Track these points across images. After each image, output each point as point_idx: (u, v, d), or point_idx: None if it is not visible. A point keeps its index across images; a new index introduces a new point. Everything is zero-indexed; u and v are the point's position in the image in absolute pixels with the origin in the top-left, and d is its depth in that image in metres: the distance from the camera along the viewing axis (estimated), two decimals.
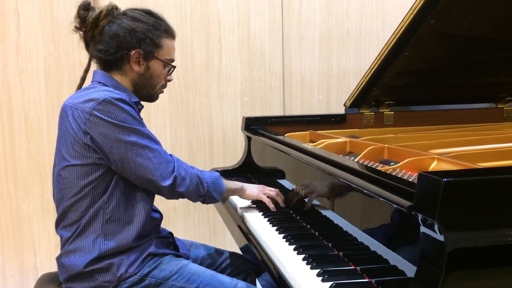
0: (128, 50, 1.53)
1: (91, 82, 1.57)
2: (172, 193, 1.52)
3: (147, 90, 1.61)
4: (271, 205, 1.74)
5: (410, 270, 1.05)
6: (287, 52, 3.01)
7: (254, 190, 1.77)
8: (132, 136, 1.45)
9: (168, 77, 1.65)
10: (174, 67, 1.65)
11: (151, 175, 1.47)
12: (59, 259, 1.53)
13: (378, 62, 2.06)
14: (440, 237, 0.92)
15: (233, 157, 2.93)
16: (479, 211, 0.93)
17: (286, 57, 3.01)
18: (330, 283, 1.14)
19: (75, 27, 1.57)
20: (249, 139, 2.35)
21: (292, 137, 2.09)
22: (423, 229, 0.98)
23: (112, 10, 1.55)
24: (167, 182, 1.49)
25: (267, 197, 1.75)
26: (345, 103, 2.39)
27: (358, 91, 2.27)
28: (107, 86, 1.53)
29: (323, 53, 3.04)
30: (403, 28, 1.87)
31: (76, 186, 1.47)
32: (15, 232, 2.77)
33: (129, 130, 1.44)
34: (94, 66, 1.61)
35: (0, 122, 2.71)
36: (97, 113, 1.42)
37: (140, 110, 1.59)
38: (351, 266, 1.26)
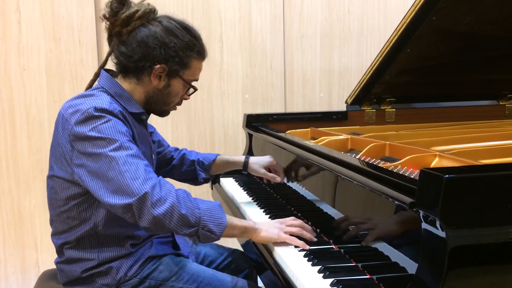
0: (153, 63, 1.42)
1: (96, 84, 1.50)
2: (141, 216, 1.27)
3: (160, 106, 1.52)
4: (300, 243, 1.38)
5: (411, 267, 1.05)
6: (289, 49, 3.01)
7: (273, 230, 1.41)
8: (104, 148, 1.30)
9: (186, 96, 1.55)
10: (195, 89, 1.54)
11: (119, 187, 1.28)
12: (57, 263, 1.52)
13: (380, 59, 2.06)
14: (442, 234, 0.92)
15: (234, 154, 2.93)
16: (481, 208, 0.93)
17: (287, 54, 3.01)
18: (331, 279, 1.14)
19: (104, 15, 1.44)
20: (250, 136, 2.35)
21: (293, 134, 2.09)
22: (424, 225, 0.97)
23: (149, 13, 1.43)
24: (121, 200, 1.27)
25: (290, 235, 1.41)
26: (347, 100, 2.39)
27: (359, 88, 2.27)
28: (109, 93, 1.43)
29: (325, 50, 3.04)
30: (405, 25, 1.86)
31: (61, 198, 1.42)
32: (17, 229, 2.78)
33: (105, 141, 1.30)
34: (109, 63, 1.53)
35: (1, 119, 2.71)
36: (78, 125, 1.32)
37: (145, 119, 1.52)
38: (353, 263, 1.26)
